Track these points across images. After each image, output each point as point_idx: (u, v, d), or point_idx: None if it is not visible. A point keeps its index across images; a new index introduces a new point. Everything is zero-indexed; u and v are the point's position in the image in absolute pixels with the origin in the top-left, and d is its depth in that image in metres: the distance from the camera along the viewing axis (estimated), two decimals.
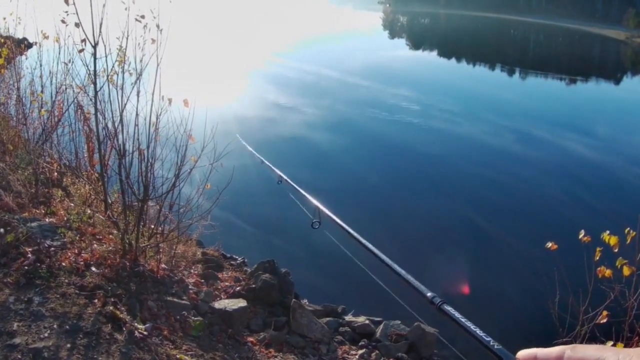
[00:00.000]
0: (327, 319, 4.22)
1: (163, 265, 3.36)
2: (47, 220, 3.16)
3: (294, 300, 4.06)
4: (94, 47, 2.83)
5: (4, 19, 4.69)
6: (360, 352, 3.73)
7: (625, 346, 2.39)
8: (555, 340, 2.91)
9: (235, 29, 41.46)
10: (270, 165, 2.79)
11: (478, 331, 0.71)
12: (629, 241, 2.68)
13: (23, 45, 5.06)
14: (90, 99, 3.27)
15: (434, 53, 36.36)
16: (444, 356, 4.21)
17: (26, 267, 2.53)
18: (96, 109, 3.08)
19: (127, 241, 3.09)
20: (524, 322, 4.96)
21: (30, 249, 2.66)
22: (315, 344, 3.68)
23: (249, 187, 7.15)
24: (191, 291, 3.48)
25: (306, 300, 4.57)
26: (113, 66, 3.06)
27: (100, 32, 2.81)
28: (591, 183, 9.49)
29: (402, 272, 1.07)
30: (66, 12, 2.82)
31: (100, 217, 3.39)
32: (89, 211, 3.52)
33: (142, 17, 2.91)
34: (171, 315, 2.91)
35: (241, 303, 3.52)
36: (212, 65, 18.88)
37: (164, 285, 3.18)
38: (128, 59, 3.06)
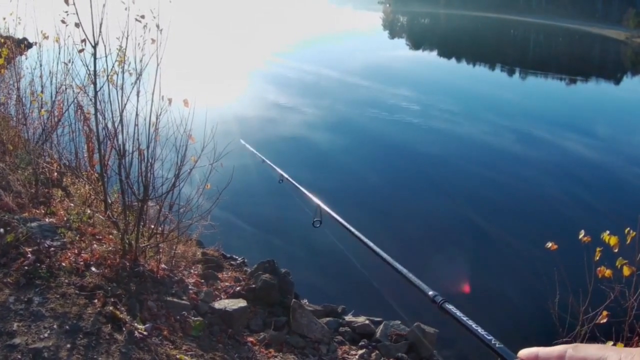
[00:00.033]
0: (327, 319, 4.22)
1: (163, 266, 3.36)
2: (47, 220, 3.16)
3: (294, 300, 4.06)
4: (94, 47, 2.83)
5: (4, 19, 4.69)
6: (360, 352, 3.73)
7: (625, 346, 2.39)
8: (555, 340, 2.91)
9: (235, 29, 41.47)
10: (272, 164, 2.79)
11: (479, 330, 0.71)
12: (629, 241, 2.68)
13: (23, 45, 5.06)
14: (90, 99, 3.27)
15: (434, 53, 36.36)
16: (444, 356, 4.22)
17: (26, 267, 2.53)
18: (96, 109, 3.08)
19: (127, 241, 3.09)
20: (524, 322, 4.96)
21: (30, 249, 2.66)
22: (315, 344, 3.68)
23: (249, 187, 7.15)
24: (191, 291, 3.48)
25: (306, 300, 4.57)
26: (113, 66, 3.06)
27: (100, 32, 2.81)
28: (591, 183, 9.49)
29: (404, 270, 1.07)
30: (66, 12, 2.82)
31: (100, 217, 3.39)
32: (89, 211, 3.52)
33: (142, 17, 2.91)
34: (171, 316, 2.91)
35: (241, 303, 3.52)
36: (212, 65, 18.89)
37: (164, 286, 3.18)
38: (128, 59, 3.06)
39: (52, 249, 2.77)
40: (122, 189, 3.26)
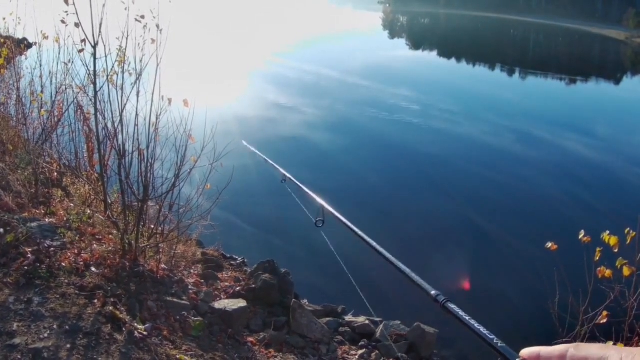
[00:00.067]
0: (327, 319, 4.22)
1: (163, 266, 3.36)
2: (47, 220, 3.16)
3: (294, 300, 4.06)
4: (94, 47, 2.83)
5: (4, 19, 4.69)
6: (360, 352, 3.73)
7: (625, 347, 2.39)
8: (555, 340, 2.91)
9: (235, 29, 41.47)
10: (274, 164, 2.79)
11: (482, 329, 0.72)
12: (629, 241, 2.68)
13: (23, 45, 5.06)
14: (90, 99, 3.27)
15: (434, 53, 36.36)
16: (444, 356, 4.22)
17: (26, 268, 2.53)
18: (96, 109, 3.08)
19: (127, 241, 3.09)
20: (523, 322, 4.96)
21: (30, 249, 2.66)
22: (315, 344, 3.68)
23: (248, 187, 7.16)
24: (191, 291, 3.48)
25: (306, 300, 4.57)
26: (113, 66, 3.06)
27: (100, 32, 2.81)
28: (591, 183, 9.49)
29: (407, 270, 1.07)
30: (66, 12, 2.81)
31: (100, 217, 3.39)
32: (88, 211, 3.52)
33: (142, 17, 2.91)
34: (171, 316, 2.91)
35: (241, 303, 3.52)
36: (212, 65, 18.89)
37: (163, 286, 3.18)
38: (128, 59, 3.06)
39: (52, 249, 2.77)
40: (122, 189, 3.26)
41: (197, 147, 3.26)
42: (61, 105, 4.38)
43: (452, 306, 0.85)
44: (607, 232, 2.73)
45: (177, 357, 2.48)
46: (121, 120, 3.10)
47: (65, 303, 2.40)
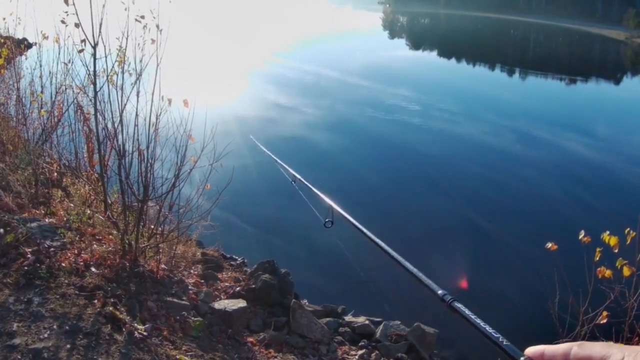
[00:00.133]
0: (327, 319, 4.22)
1: (163, 266, 3.36)
2: (47, 220, 3.16)
3: (293, 300, 4.06)
4: (94, 47, 2.83)
5: (4, 19, 4.69)
6: (360, 352, 3.73)
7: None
8: (555, 340, 2.91)
9: (235, 29, 41.47)
10: (284, 165, 2.77)
11: (487, 328, 0.73)
12: (629, 241, 2.68)
13: (23, 45, 5.06)
14: (90, 100, 3.27)
15: (434, 53, 36.36)
16: (444, 356, 4.22)
17: (26, 268, 2.53)
18: (96, 110, 3.08)
19: (127, 242, 3.09)
20: (524, 322, 4.96)
21: (30, 250, 2.66)
22: (315, 344, 3.68)
23: (248, 187, 7.16)
24: (191, 291, 3.48)
25: (306, 301, 4.57)
26: (113, 66, 3.06)
27: (100, 32, 2.81)
28: (591, 183, 9.49)
29: (414, 270, 1.09)
30: (66, 12, 2.82)
31: (100, 217, 3.39)
32: (88, 211, 3.52)
33: (142, 17, 2.91)
34: (171, 316, 2.91)
35: (241, 303, 3.52)
36: (212, 65, 18.89)
37: (163, 286, 3.18)
38: (128, 59, 3.06)
39: (52, 249, 2.77)
40: (122, 189, 3.26)
41: (197, 147, 3.26)
42: (61, 105, 4.38)
43: (459, 305, 0.86)
44: (607, 232, 2.73)
45: (177, 357, 2.48)
46: (121, 120, 3.10)
47: (65, 303, 2.40)
